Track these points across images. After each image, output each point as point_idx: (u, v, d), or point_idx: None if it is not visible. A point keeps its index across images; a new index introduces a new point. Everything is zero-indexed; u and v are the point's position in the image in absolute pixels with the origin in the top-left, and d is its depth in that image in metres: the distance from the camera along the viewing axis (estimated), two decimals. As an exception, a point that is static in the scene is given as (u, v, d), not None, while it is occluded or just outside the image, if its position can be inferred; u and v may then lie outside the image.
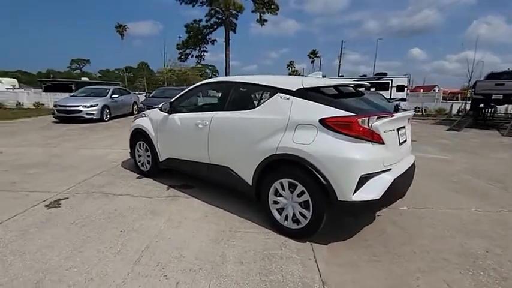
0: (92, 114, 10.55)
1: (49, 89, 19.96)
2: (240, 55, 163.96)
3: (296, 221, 2.53)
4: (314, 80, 2.84)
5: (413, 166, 2.84)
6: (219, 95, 3.38)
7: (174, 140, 3.73)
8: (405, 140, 2.77)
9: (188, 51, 41.71)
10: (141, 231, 2.66)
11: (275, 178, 2.61)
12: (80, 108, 10.43)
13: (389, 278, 2.06)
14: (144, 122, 4.18)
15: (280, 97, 2.68)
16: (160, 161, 3.94)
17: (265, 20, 30.94)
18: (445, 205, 3.40)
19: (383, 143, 2.31)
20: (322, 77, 11.61)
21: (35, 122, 11.00)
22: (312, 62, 58.87)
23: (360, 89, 3.08)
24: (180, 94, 3.80)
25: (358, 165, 2.20)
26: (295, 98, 2.59)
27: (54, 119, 10.95)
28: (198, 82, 3.94)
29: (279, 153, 2.52)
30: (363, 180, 2.22)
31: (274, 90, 2.76)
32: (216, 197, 3.42)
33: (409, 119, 2.92)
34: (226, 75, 36.09)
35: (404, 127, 2.77)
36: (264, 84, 2.95)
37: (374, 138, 2.26)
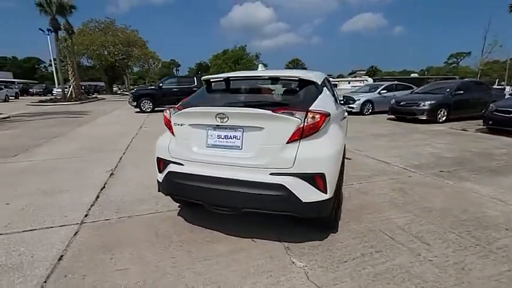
0: (352, 108, 10.67)
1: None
2: None
3: None
4: (226, 74, 2.77)
5: (238, 183, 2.00)
6: None
7: None
8: (236, 146, 2.07)
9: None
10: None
11: None
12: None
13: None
14: None
15: None
16: None
17: None
18: None
19: (173, 135, 2.33)
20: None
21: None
22: None
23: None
24: None
25: (156, 148, 2.44)
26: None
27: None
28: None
29: None
30: (163, 163, 2.36)
31: None
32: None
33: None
34: None
35: (236, 129, 2.07)
36: None
37: (170, 128, 2.36)
